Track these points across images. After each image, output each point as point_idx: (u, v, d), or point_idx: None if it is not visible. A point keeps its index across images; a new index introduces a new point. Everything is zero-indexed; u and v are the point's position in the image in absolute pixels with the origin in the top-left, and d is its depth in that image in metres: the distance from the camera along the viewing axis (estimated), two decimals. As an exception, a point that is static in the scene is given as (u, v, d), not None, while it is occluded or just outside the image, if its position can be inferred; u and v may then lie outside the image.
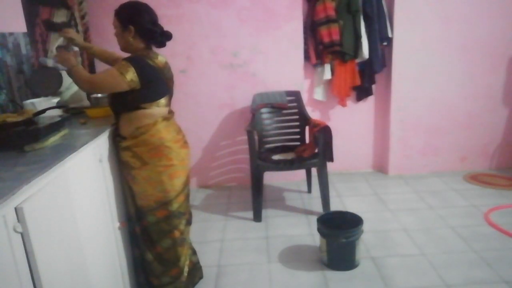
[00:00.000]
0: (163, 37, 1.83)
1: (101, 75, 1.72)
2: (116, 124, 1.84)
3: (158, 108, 1.79)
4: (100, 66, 3.19)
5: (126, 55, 1.82)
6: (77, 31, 2.91)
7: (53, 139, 1.52)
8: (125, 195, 1.91)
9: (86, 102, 2.34)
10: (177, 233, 1.90)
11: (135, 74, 1.68)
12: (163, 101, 1.81)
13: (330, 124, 2.90)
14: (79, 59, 2.41)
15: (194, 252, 2.15)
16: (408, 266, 2.23)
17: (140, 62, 1.72)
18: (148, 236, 1.90)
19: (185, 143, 1.92)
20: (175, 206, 1.86)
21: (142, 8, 1.78)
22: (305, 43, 3.34)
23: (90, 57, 3.12)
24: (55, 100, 1.98)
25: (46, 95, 2.04)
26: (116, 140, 1.83)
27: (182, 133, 1.93)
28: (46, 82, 1.98)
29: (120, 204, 1.89)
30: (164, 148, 1.78)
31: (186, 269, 1.99)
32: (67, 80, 2.24)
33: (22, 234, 1.06)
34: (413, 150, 3.58)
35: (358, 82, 3.39)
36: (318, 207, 2.97)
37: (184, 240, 1.97)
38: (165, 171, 1.79)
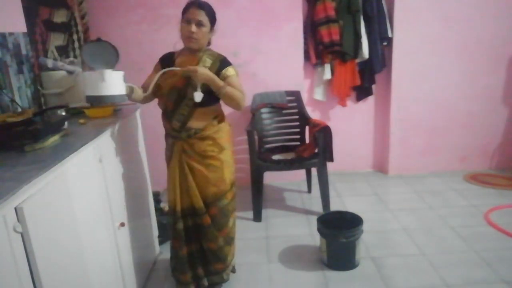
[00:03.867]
0: None
1: (239, 87, 1.83)
2: (184, 119, 1.84)
3: None
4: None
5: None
6: (77, 31, 2.91)
7: (53, 139, 1.52)
8: (188, 193, 1.90)
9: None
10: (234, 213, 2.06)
11: None
12: None
13: (330, 124, 2.91)
14: (79, 69, 2.36)
15: None
16: (408, 266, 2.23)
17: None
18: (217, 222, 1.96)
19: None
20: (234, 188, 2.02)
21: None
22: (305, 43, 3.34)
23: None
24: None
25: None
26: (187, 133, 1.85)
27: None
28: (103, 55, 1.84)
29: (119, 204, 1.89)
30: (231, 134, 2.00)
31: None
32: (67, 80, 2.24)
33: (22, 234, 1.06)
34: (413, 150, 3.58)
35: (358, 82, 3.39)
36: (318, 207, 2.97)
37: None
38: (232, 154, 2.00)
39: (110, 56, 1.70)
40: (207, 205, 1.92)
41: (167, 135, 1.96)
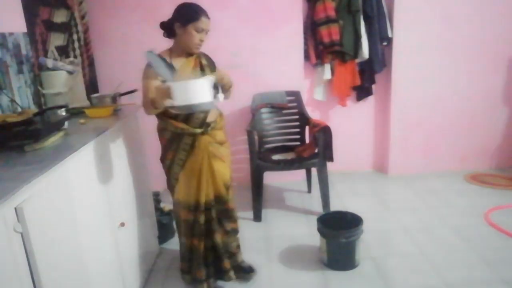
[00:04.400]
0: None
1: None
2: (204, 116, 1.93)
3: None
4: (102, 75, 3.19)
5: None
6: (77, 31, 2.91)
7: (53, 139, 1.52)
8: (214, 181, 1.99)
9: (86, 102, 2.34)
10: None
11: None
12: None
13: (330, 124, 2.90)
14: (79, 69, 2.38)
15: None
16: (408, 266, 2.23)
17: None
18: (234, 201, 2.13)
19: None
20: None
21: None
22: (305, 43, 3.34)
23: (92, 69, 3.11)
24: None
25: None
26: (210, 126, 1.94)
27: None
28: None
29: (120, 204, 1.89)
30: None
31: None
32: (67, 80, 2.24)
33: (22, 234, 1.06)
34: (413, 150, 3.58)
35: (358, 82, 3.39)
36: (318, 207, 2.97)
37: None
38: None
39: (161, 66, 1.75)
40: (228, 188, 2.06)
41: (182, 136, 1.91)
